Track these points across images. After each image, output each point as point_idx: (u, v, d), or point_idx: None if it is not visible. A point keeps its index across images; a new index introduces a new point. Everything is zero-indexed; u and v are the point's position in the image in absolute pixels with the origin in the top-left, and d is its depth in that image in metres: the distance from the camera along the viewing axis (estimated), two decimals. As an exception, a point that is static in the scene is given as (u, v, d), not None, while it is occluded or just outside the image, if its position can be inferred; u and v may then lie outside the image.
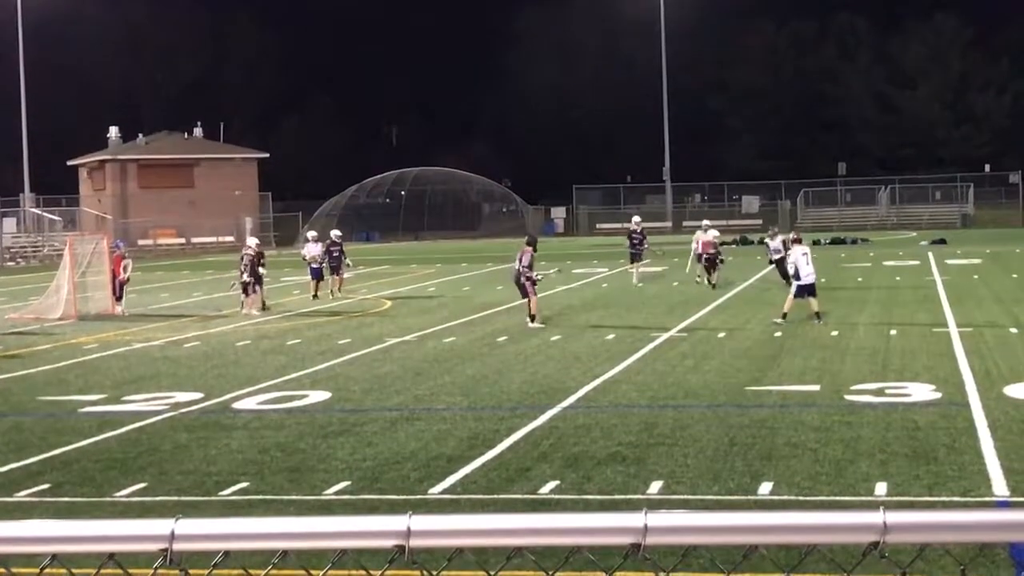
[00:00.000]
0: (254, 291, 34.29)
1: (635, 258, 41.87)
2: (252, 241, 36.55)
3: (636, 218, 44.58)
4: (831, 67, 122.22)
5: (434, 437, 15.94)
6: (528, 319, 29.11)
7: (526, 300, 29.53)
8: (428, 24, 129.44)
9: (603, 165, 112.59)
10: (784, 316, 27.31)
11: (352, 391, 20.13)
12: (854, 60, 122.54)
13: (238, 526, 2.27)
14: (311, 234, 42.23)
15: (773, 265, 37.73)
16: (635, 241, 41.91)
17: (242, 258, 34.93)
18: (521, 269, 29.43)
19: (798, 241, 28.76)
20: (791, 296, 27.73)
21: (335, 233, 41.92)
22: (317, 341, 27.41)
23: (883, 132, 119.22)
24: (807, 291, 27.56)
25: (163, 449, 15.74)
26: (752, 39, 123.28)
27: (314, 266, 39.26)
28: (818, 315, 27.45)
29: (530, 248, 30.17)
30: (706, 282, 38.35)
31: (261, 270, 34.75)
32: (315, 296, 38.24)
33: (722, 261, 39.23)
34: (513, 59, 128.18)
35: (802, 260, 27.59)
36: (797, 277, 27.52)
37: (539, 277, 30.08)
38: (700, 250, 39.34)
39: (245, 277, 34.07)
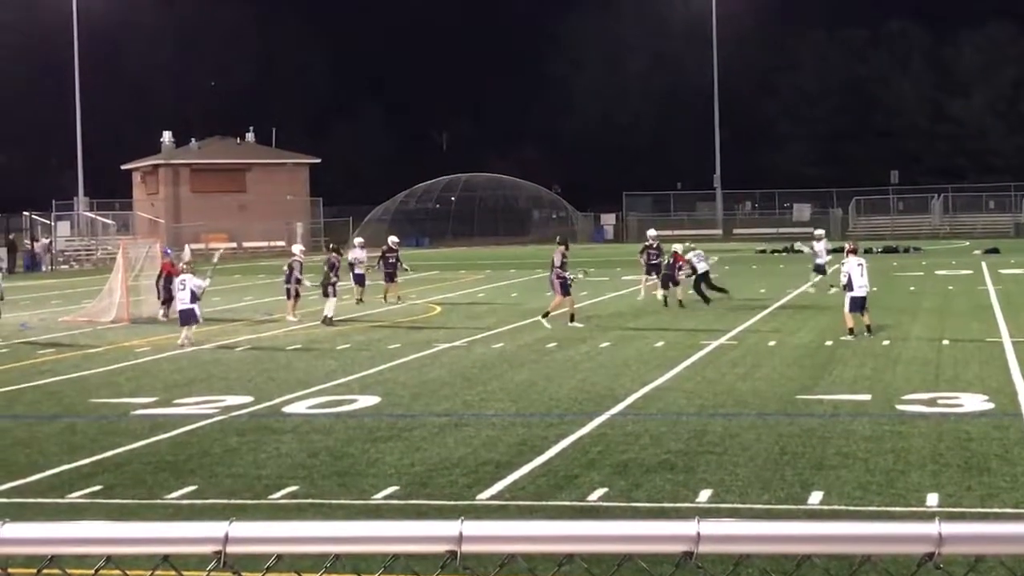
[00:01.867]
0: (296, 297, 34.09)
1: (653, 270, 38.73)
2: (297, 248, 36.50)
3: (651, 232, 41.83)
4: (883, 74, 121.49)
5: (483, 443, 15.95)
6: (542, 316, 30.40)
7: (561, 299, 30.55)
8: (478, 30, 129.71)
9: (653, 171, 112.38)
10: (851, 331, 26.57)
11: (401, 396, 20.17)
12: (907, 67, 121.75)
13: (292, 529, 2.29)
14: (358, 240, 42.32)
15: (695, 280, 34.85)
16: (652, 256, 38.97)
17: (290, 265, 34.42)
18: (555, 270, 30.51)
19: (854, 251, 28.16)
20: (846, 310, 27.09)
21: (392, 240, 41.87)
22: (367, 346, 27.50)
23: (936, 140, 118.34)
24: (859, 304, 26.95)
25: (213, 452, 15.83)
26: (803, 45, 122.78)
27: (358, 271, 39.25)
28: (869, 328, 26.87)
29: (562, 247, 30.85)
30: (660, 296, 35.55)
31: (334, 277, 33.82)
32: (359, 301, 38.19)
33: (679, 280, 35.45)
34: (563, 64, 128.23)
35: (856, 271, 27.02)
36: (849, 288, 26.93)
37: (571, 278, 30.79)
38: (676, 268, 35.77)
39: (294, 282, 33.84)
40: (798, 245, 39.22)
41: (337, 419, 18.09)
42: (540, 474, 14.15)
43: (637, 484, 13.51)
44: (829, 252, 40.41)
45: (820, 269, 39.59)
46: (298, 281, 33.83)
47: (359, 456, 15.32)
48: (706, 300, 34.98)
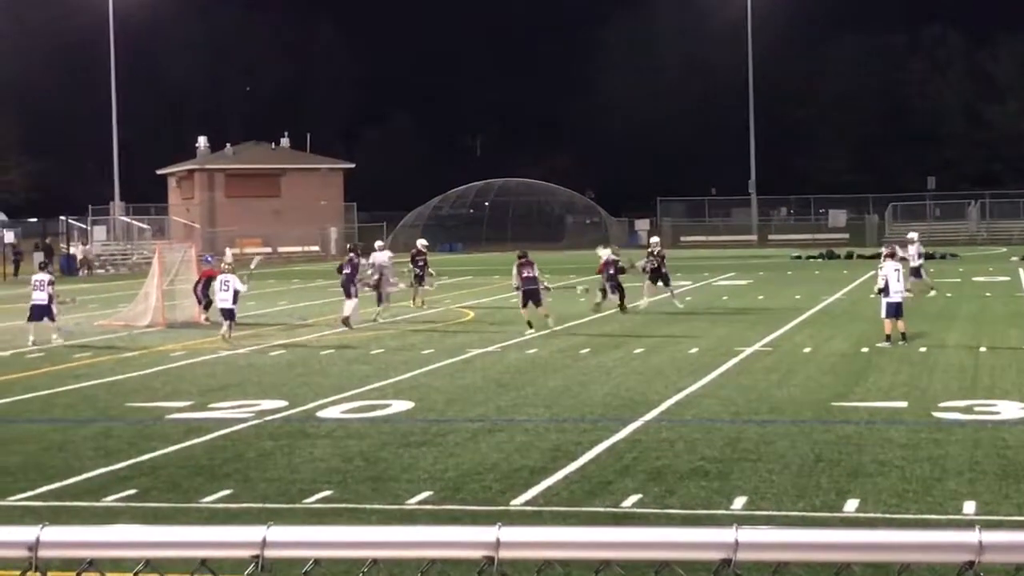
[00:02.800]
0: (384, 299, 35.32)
1: (657, 277, 37.42)
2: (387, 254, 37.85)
3: (655, 239, 40.52)
4: (920, 80, 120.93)
5: (516, 448, 15.94)
6: (548, 321, 31.21)
7: (540, 307, 31.57)
8: (512, 35, 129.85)
9: (687, 177, 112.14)
10: (888, 338, 26.23)
11: (434, 401, 20.19)
12: (944, 73, 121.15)
13: (329, 534, 2.29)
14: (379, 244, 42.68)
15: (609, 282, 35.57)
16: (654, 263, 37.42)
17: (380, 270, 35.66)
18: (536, 278, 31.89)
19: (891, 256, 28.01)
20: (883, 316, 26.84)
21: (421, 243, 42.05)
22: (400, 351, 27.53)
23: (973, 146, 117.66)
24: (895, 310, 26.73)
25: (248, 456, 15.88)
26: (840, 50, 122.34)
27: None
28: (904, 336, 26.61)
29: (525, 259, 32.39)
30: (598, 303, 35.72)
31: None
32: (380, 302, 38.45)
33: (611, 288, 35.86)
34: (597, 69, 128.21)
35: (893, 276, 26.80)
36: (886, 293, 26.70)
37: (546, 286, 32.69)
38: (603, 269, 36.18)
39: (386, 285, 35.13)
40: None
41: (371, 424, 18.13)
42: (574, 480, 14.13)
43: (671, 491, 13.48)
44: (920, 256, 40.05)
45: (915, 272, 38.84)
46: (389, 283, 34.66)
47: (393, 461, 15.34)
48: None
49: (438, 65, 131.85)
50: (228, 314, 30.33)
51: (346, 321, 32.44)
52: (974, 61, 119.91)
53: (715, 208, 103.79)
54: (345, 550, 2.27)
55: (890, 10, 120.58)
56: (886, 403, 18.94)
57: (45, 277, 31.86)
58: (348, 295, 33.05)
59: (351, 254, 34.79)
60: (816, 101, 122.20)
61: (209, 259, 39.01)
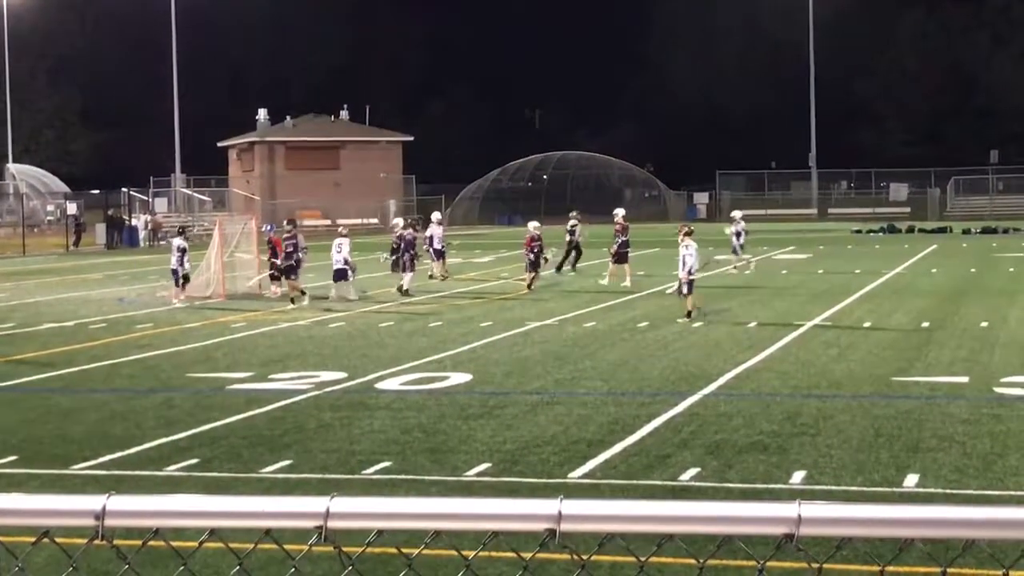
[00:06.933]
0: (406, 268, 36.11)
1: (622, 259, 36.80)
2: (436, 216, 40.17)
3: (619, 211, 39.69)
4: (984, 52, 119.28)
5: (574, 421, 15.96)
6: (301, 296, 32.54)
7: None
8: (573, 7, 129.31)
9: (747, 150, 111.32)
10: (689, 315, 26.68)
11: (493, 374, 20.23)
12: (1008, 46, 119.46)
13: (393, 505, 2.30)
14: (436, 216, 43.26)
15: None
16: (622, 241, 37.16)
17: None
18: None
19: (690, 234, 27.63)
20: (688, 293, 26.95)
21: (436, 216, 43.07)
22: (459, 323, 27.60)
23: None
24: (691, 286, 26.97)
25: (308, 427, 15.98)
26: (903, 23, 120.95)
27: (436, 247, 40.34)
28: (689, 313, 26.77)
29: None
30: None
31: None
32: (440, 277, 39.02)
33: (546, 259, 37.04)
34: (657, 42, 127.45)
35: (694, 253, 27.05)
36: (689, 270, 26.89)
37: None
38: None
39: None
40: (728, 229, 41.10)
41: (429, 396, 18.19)
42: (632, 453, 14.13)
43: (730, 465, 13.44)
44: (738, 234, 41.20)
45: (734, 249, 41.12)
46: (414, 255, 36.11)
47: (451, 433, 15.40)
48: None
49: (498, 38, 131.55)
50: (339, 274, 32.88)
51: (404, 292, 34.02)
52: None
53: (775, 182, 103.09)
54: (409, 521, 2.28)
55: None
56: (947, 378, 18.79)
57: (182, 243, 34.31)
58: (402, 268, 35.30)
59: (408, 230, 37.06)
60: (878, 74, 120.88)
61: (270, 227, 39.25)
